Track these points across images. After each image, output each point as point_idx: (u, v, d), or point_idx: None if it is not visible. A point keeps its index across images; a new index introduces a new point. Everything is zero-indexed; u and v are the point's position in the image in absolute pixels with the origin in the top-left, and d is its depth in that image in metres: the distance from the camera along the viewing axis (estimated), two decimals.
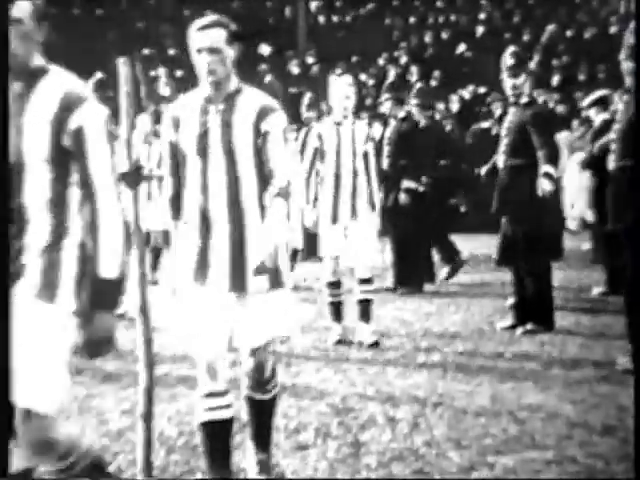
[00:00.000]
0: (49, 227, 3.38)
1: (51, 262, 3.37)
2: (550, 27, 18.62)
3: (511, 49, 8.00)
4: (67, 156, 3.37)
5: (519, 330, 7.77)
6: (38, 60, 3.43)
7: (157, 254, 10.99)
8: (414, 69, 19.58)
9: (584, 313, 8.66)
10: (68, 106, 3.33)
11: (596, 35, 21.03)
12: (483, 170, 8.37)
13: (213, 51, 4.08)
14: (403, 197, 10.11)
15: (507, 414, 5.51)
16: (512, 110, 7.95)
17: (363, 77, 20.19)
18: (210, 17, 4.19)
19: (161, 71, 19.73)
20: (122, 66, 4.04)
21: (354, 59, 21.06)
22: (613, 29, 21.14)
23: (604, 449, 4.84)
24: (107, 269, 3.39)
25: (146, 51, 21.11)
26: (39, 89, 3.37)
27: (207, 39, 4.09)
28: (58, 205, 3.39)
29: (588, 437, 5.04)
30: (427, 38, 21.84)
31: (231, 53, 4.15)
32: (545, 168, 7.59)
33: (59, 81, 3.40)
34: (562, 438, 5.05)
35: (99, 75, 8.83)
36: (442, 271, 10.91)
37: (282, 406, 5.69)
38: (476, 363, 6.85)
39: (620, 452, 4.73)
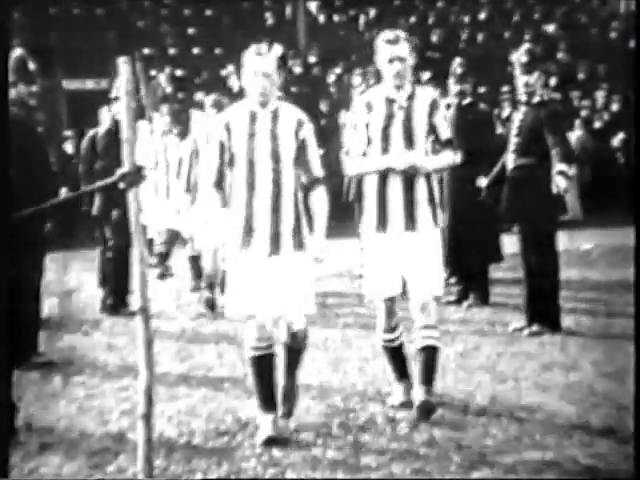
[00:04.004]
0: None
1: None
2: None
3: (525, 46, 8.05)
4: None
5: (525, 331, 7.75)
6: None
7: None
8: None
9: (584, 313, 8.65)
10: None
11: (595, 35, 21.04)
12: (484, 182, 8.42)
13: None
14: None
15: (507, 414, 5.51)
16: (523, 109, 7.91)
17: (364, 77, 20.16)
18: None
19: (161, 71, 19.74)
20: (123, 66, 4.04)
21: (354, 58, 21.06)
22: (612, 29, 21.18)
23: (604, 449, 4.84)
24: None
25: (146, 51, 21.10)
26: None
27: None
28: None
29: (588, 437, 5.05)
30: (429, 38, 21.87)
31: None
32: (560, 166, 7.59)
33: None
34: (562, 438, 5.05)
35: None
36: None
37: None
38: (476, 363, 6.85)
39: (620, 452, 4.73)
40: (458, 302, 9.20)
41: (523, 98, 7.90)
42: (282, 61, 5.21)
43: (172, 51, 21.88)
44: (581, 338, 7.59)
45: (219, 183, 5.29)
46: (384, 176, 5.59)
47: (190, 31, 22.50)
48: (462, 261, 9.24)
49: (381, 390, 6.08)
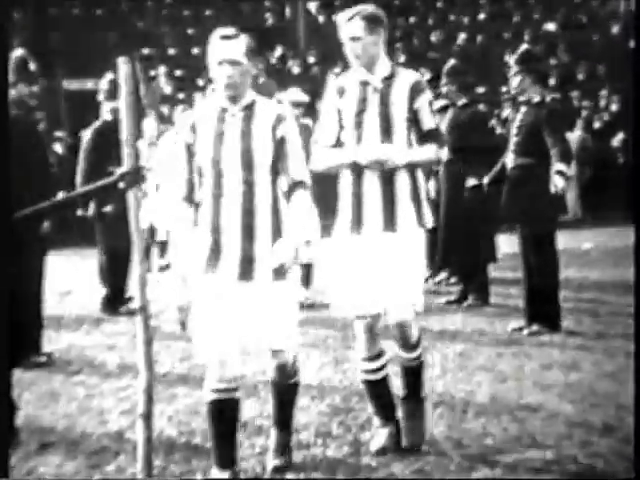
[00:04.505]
0: None
1: None
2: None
3: (524, 47, 8.13)
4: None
5: (525, 331, 7.76)
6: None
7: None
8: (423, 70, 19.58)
9: (584, 313, 8.65)
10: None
11: (595, 35, 21.04)
12: (486, 179, 8.45)
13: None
14: None
15: (507, 413, 5.51)
16: (523, 109, 7.94)
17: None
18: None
19: (161, 71, 19.73)
20: (122, 66, 4.04)
21: None
22: (613, 29, 21.17)
23: (604, 449, 4.84)
24: None
25: (146, 51, 21.10)
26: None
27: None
28: None
29: (588, 437, 5.04)
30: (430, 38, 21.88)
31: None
32: (558, 166, 7.60)
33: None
34: (562, 438, 5.05)
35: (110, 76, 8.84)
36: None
37: None
38: (476, 362, 6.85)
39: (620, 452, 4.73)
40: (458, 302, 9.21)
41: (523, 98, 7.94)
42: (256, 46, 4.45)
43: (172, 51, 21.87)
44: (581, 338, 7.59)
45: (189, 197, 4.49)
46: (360, 169, 4.81)
47: (190, 31, 22.50)
48: (460, 261, 9.29)
49: None
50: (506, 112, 16.63)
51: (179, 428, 5.39)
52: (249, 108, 4.44)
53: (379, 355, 4.97)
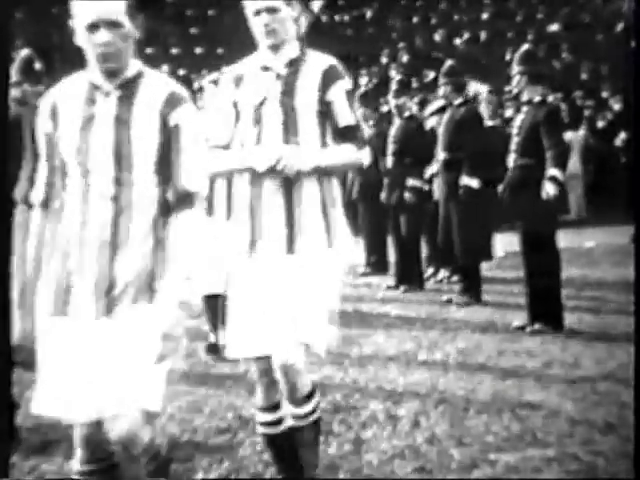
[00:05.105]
0: None
1: None
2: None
3: (525, 46, 8.17)
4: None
5: (527, 329, 7.76)
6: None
7: None
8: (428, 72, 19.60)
9: (585, 311, 8.64)
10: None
11: (598, 35, 21.03)
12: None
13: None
14: (408, 195, 10.11)
15: (509, 412, 5.51)
16: (525, 109, 7.94)
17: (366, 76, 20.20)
18: None
19: (164, 70, 19.75)
20: None
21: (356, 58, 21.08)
22: (616, 28, 21.15)
23: (605, 447, 4.83)
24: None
25: (149, 50, 21.12)
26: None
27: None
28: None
29: (589, 435, 5.04)
30: (431, 37, 21.88)
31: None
32: (552, 171, 7.57)
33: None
34: (563, 436, 5.04)
35: None
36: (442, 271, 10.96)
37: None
38: (478, 360, 6.84)
39: (621, 450, 4.72)
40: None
41: (524, 98, 7.96)
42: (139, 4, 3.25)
43: (174, 51, 21.89)
44: (583, 336, 7.59)
45: (45, 202, 3.38)
46: (257, 176, 3.82)
47: (192, 31, 22.53)
48: (459, 259, 9.32)
49: (383, 387, 6.08)
50: (509, 112, 16.66)
51: (181, 426, 5.39)
52: (130, 85, 3.26)
53: (278, 405, 4.03)
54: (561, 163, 7.65)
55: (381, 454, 4.82)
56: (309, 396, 4.00)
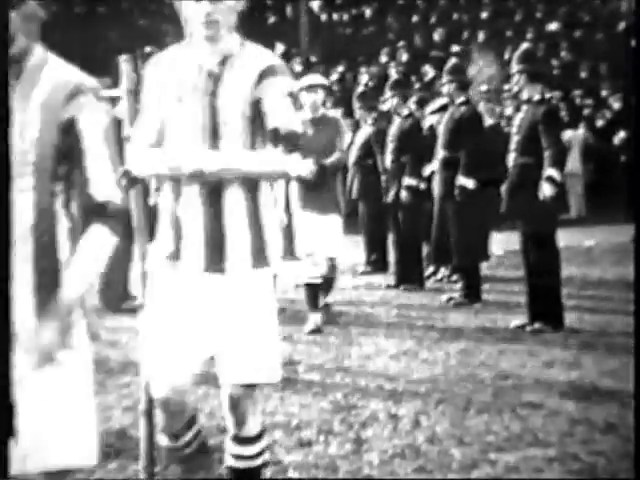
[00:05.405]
0: None
1: None
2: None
3: (524, 45, 8.19)
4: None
5: (527, 328, 7.77)
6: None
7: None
8: (427, 68, 19.61)
9: (585, 310, 8.65)
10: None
11: (597, 34, 21.03)
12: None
13: None
14: (404, 194, 10.12)
15: (509, 411, 5.51)
16: (524, 107, 7.95)
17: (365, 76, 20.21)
18: None
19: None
20: (124, 64, 4.05)
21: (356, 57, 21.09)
22: (616, 27, 21.14)
23: (606, 447, 4.84)
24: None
25: (148, 49, 21.11)
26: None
27: None
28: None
29: (590, 435, 5.05)
30: (429, 36, 21.89)
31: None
32: (549, 171, 7.57)
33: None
34: (564, 435, 5.05)
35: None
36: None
37: (284, 403, 5.71)
38: (478, 360, 6.85)
39: (622, 450, 4.73)
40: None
41: (523, 97, 7.97)
42: None
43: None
44: (583, 335, 7.60)
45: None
46: (179, 181, 3.40)
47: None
48: (458, 258, 9.33)
49: (383, 387, 6.09)
50: (508, 110, 16.66)
51: None
52: (29, 73, 2.75)
53: (180, 434, 3.68)
54: (559, 163, 7.65)
55: (381, 454, 4.82)
56: (256, 437, 3.56)
